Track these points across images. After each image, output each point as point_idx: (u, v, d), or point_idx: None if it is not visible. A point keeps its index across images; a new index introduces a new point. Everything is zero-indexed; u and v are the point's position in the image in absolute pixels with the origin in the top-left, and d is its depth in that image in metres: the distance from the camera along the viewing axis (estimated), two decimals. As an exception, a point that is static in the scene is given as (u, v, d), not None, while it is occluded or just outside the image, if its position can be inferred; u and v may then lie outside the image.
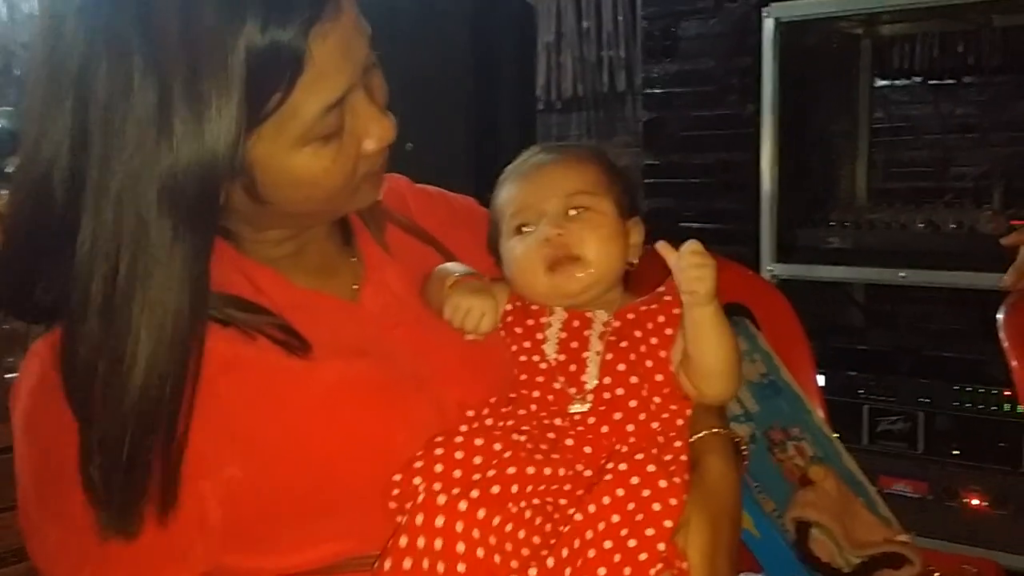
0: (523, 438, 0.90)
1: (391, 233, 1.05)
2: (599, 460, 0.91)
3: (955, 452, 2.38)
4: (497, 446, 0.89)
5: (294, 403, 0.88)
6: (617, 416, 0.94)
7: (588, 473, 0.90)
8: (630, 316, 0.99)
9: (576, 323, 0.99)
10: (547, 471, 0.88)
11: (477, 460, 0.88)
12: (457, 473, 0.87)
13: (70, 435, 0.81)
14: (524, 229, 1.00)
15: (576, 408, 0.94)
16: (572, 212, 0.99)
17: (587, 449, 0.92)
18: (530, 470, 0.88)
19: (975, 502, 2.35)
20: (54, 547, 0.84)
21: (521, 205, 1.01)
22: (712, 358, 0.94)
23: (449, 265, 1.04)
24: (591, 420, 0.93)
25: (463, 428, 0.92)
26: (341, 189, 0.88)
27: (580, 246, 0.98)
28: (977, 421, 2.34)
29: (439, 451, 0.88)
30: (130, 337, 0.78)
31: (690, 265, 0.92)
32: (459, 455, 0.88)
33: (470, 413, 0.95)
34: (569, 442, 0.92)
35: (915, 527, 1.38)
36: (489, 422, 0.94)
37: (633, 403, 0.94)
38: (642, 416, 0.94)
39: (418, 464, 0.88)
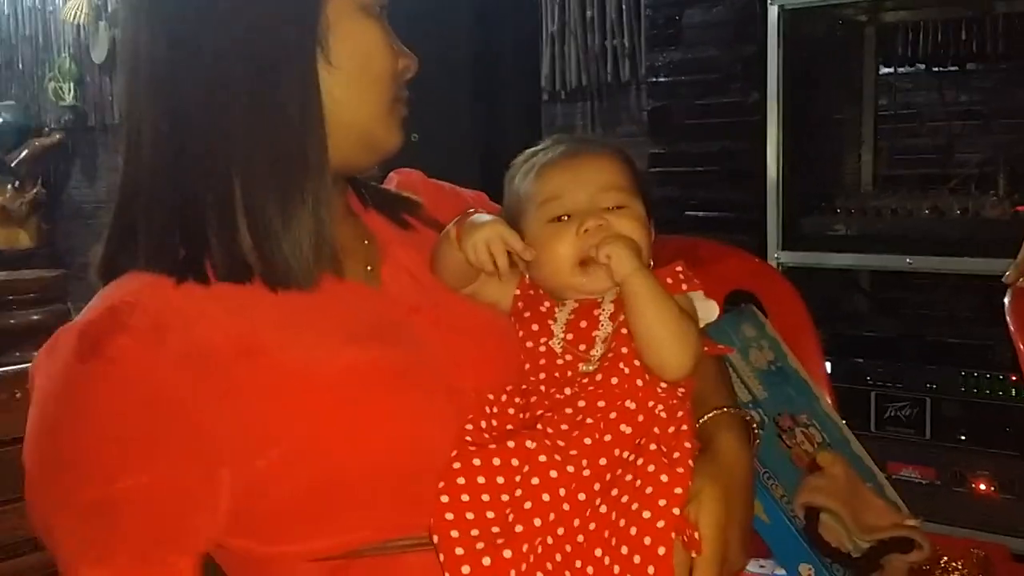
0: (535, 444, 0.89)
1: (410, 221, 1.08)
2: (611, 415, 0.91)
3: (962, 437, 2.38)
4: (516, 462, 0.89)
5: (310, 391, 0.88)
6: (625, 370, 0.94)
7: (607, 451, 0.89)
8: None
9: (587, 306, 0.99)
10: (565, 490, 0.88)
11: (503, 495, 0.88)
12: (490, 513, 0.87)
13: (82, 422, 0.83)
14: (561, 219, 0.99)
15: (584, 368, 0.95)
16: (610, 207, 0.99)
17: (600, 403, 0.92)
18: (545, 496, 0.87)
19: (983, 487, 2.35)
20: (60, 532, 0.84)
21: (556, 193, 0.99)
22: (644, 328, 0.94)
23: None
24: (599, 377, 0.94)
25: (479, 447, 0.91)
26: (388, 85, 0.96)
27: (621, 230, 0.98)
28: (984, 406, 2.34)
29: (460, 480, 0.88)
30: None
31: (601, 243, 0.94)
32: (480, 482, 0.88)
33: (490, 396, 0.96)
34: (581, 403, 0.92)
35: (923, 512, 1.37)
36: (511, 411, 0.95)
37: (638, 362, 0.94)
38: (647, 376, 0.94)
39: (444, 499, 0.88)
